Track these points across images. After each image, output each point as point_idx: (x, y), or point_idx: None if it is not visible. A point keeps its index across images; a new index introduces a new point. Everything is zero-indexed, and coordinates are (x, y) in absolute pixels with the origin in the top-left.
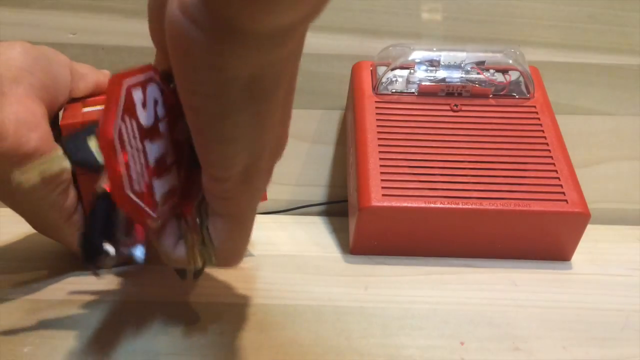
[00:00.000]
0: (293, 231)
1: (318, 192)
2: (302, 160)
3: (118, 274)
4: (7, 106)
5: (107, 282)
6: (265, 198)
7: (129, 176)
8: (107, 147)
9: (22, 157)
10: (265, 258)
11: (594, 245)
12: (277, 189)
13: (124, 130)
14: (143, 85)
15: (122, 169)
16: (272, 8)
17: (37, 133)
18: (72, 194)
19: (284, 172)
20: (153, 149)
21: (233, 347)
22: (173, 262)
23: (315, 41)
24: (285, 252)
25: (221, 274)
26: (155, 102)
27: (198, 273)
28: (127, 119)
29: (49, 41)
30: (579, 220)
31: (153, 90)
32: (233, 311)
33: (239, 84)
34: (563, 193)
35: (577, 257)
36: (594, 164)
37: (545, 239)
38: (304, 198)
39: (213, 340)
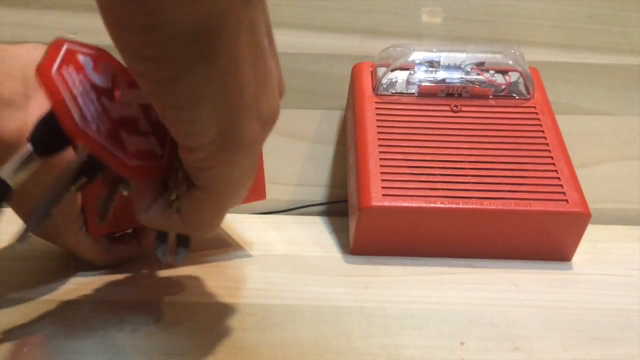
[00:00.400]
0: (293, 231)
1: (318, 192)
2: (302, 160)
3: (118, 275)
4: (32, 109)
5: (107, 282)
6: (264, 197)
7: (80, 112)
8: (46, 78)
9: (42, 160)
10: (266, 258)
11: (594, 246)
12: (277, 189)
13: (65, 73)
14: (93, 57)
15: (66, 97)
16: None
17: None
18: (77, 200)
19: (284, 172)
20: (115, 108)
21: (233, 347)
22: (145, 221)
23: (315, 41)
24: (286, 252)
25: (221, 274)
26: (114, 77)
27: (181, 256)
28: (70, 68)
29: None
30: (579, 220)
31: (109, 67)
32: (233, 311)
33: (181, 41)
34: (563, 193)
35: (577, 257)
36: (594, 164)
37: (546, 239)
38: (304, 198)
39: (213, 340)
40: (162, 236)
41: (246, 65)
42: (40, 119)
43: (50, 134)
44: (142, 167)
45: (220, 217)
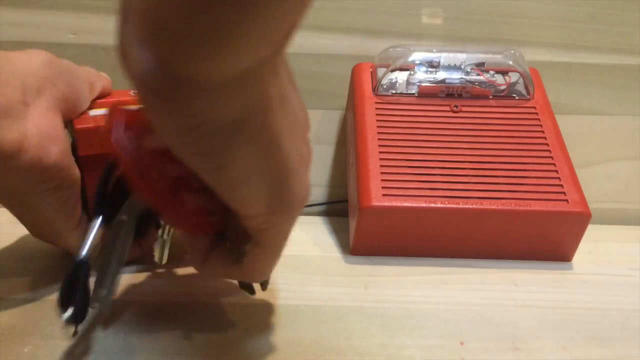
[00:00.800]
0: (293, 231)
1: (318, 192)
2: None
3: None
4: (30, 118)
5: None
6: None
7: (149, 173)
8: (114, 144)
9: (42, 171)
10: None
11: (594, 245)
12: None
13: (129, 138)
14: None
15: (134, 160)
16: (221, 61)
17: (58, 147)
18: (79, 206)
19: None
20: (172, 167)
21: (233, 347)
22: (202, 272)
23: (315, 41)
24: (285, 252)
25: None
26: None
27: (265, 284)
28: (131, 132)
29: (49, 41)
30: (579, 220)
31: None
32: (233, 311)
33: (223, 134)
34: (564, 193)
35: (577, 257)
36: (594, 164)
37: (546, 239)
38: None
39: (213, 340)
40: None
41: (285, 132)
42: (100, 189)
43: (113, 202)
44: (199, 223)
45: (275, 263)
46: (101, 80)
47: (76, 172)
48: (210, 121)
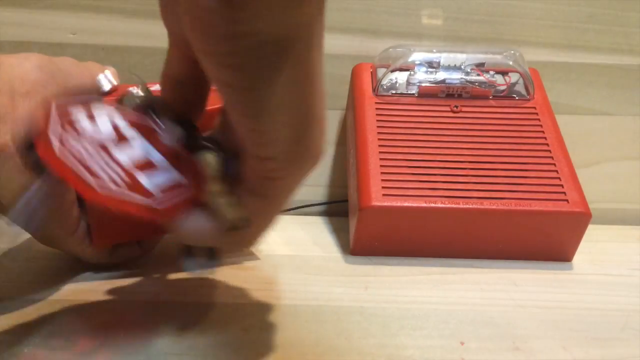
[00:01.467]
0: (293, 231)
1: (318, 192)
2: None
3: (118, 275)
4: (19, 119)
5: (107, 282)
6: None
7: (95, 175)
8: (50, 159)
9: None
10: (266, 258)
11: (594, 245)
12: None
13: (66, 141)
14: (84, 105)
15: (77, 170)
16: None
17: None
18: (75, 211)
19: None
20: (123, 152)
21: (233, 347)
22: (183, 237)
23: None
24: (286, 252)
25: (221, 274)
26: (110, 117)
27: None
28: (68, 130)
29: (49, 41)
30: (580, 220)
31: (103, 111)
32: (233, 311)
33: (265, 50)
34: (564, 193)
35: (578, 257)
36: (594, 164)
37: (546, 239)
38: (304, 198)
39: (213, 340)
40: (189, 250)
41: (318, 76)
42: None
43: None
44: (172, 205)
45: (269, 226)
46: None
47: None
48: (256, 32)
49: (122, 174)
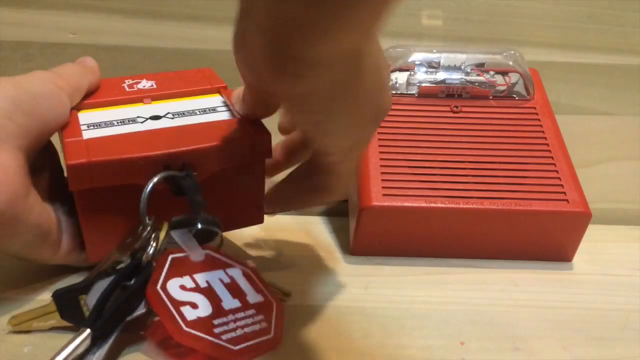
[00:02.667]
0: (293, 231)
1: None
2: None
3: None
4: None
5: None
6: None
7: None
8: (155, 300)
9: None
10: (266, 258)
11: (594, 245)
12: None
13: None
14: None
15: (173, 310)
16: (327, 43)
17: (5, 194)
18: (64, 240)
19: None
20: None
21: None
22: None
23: None
24: (286, 252)
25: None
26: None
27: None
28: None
29: (49, 41)
30: (580, 220)
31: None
32: None
33: (329, 94)
34: (564, 193)
35: (578, 257)
36: (594, 164)
37: (546, 239)
38: None
39: None
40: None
41: (369, 93)
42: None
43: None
44: (249, 351)
45: (348, 183)
46: (86, 76)
47: (42, 216)
48: (318, 88)
49: (209, 322)
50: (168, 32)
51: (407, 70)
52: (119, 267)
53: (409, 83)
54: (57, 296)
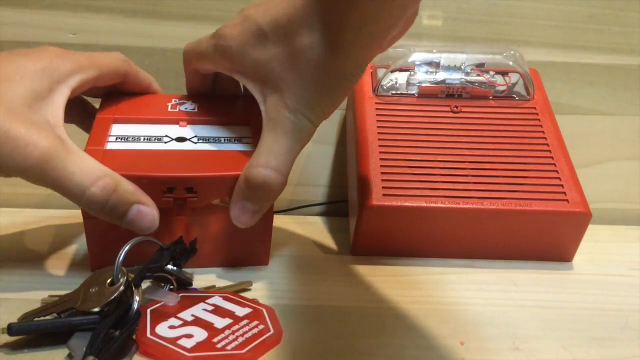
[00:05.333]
0: (293, 231)
1: (318, 192)
2: (302, 160)
3: None
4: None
5: None
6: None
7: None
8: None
9: None
10: None
11: (594, 245)
12: None
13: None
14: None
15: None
16: None
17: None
18: None
19: None
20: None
21: None
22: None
23: None
24: (285, 252)
25: (221, 274)
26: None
27: None
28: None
29: (49, 41)
30: (580, 220)
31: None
32: None
33: None
34: (564, 193)
35: (578, 257)
36: (594, 164)
37: (546, 239)
38: (304, 198)
39: None
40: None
41: None
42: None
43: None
44: (257, 350)
45: None
46: (115, 62)
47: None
48: None
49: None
50: (168, 32)
51: (407, 70)
52: (101, 313)
53: (409, 83)
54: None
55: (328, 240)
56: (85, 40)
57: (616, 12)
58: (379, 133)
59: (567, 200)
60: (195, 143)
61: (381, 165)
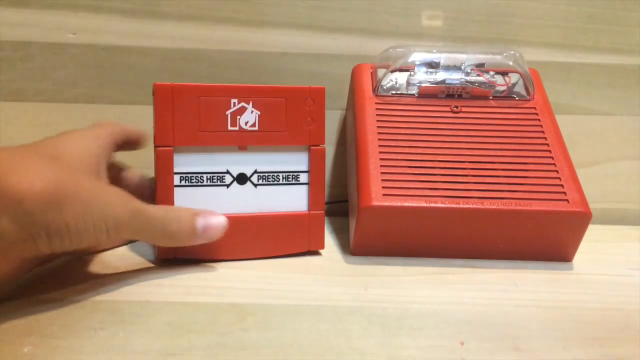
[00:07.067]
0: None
1: None
2: None
3: (117, 274)
4: None
5: (107, 282)
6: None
7: None
8: None
9: None
10: (266, 258)
11: (594, 245)
12: None
13: None
14: None
15: None
16: None
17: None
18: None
19: None
20: None
21: (233, 347)
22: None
23: (315, 41)
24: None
25: (221, 274)
26: None
27: None
28: None
29: (49, 41)
30: (580, 220)
31: None
32: (233, 311)
33: None
34: (564, 193)
35: (578, 257)
36: (594, 164)
37: (547, 239)
38: None
39: (213, 340)
40: None
41: None
42: None
43: None
44: None
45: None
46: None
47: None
48: None
49: None
50: (168, 32)
51: (407, 70)
52: None
53: (409, 83)
54: None
55: (328, 240)
56: (85, 40)
57: (616, 12)
58: (379, 133)
59: (567, 200)
60: (256, 187)
61: (381, 165)
